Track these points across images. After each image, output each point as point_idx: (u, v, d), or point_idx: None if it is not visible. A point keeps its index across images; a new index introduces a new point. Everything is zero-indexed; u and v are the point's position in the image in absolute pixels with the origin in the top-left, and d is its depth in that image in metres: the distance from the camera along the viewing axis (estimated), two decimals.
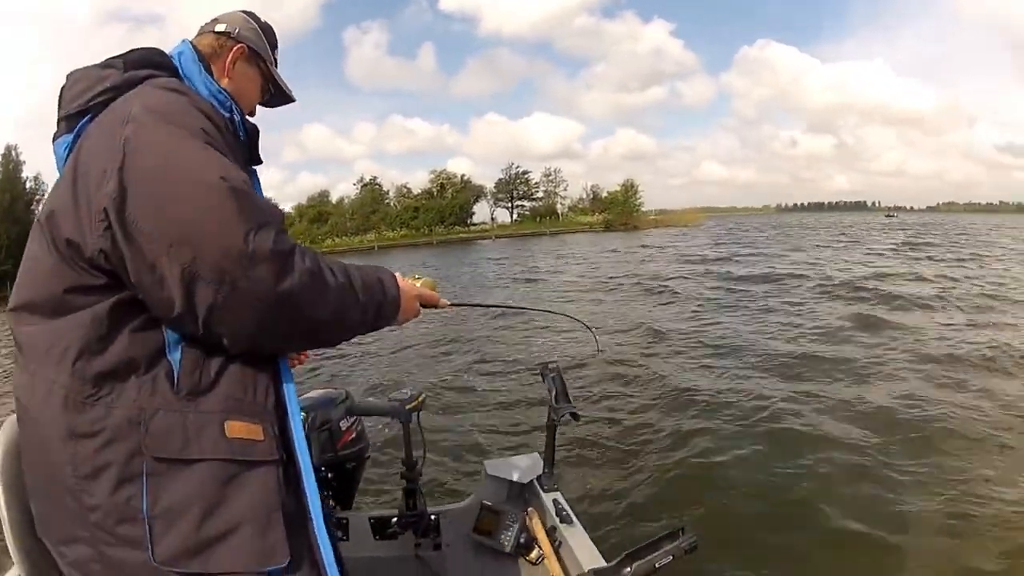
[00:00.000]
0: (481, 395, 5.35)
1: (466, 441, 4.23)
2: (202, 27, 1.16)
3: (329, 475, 1.81)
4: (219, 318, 0.81)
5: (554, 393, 1.68)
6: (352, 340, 1.04)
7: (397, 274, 1.08)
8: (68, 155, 0.90)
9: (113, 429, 0.79)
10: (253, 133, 1.11)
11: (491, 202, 67.29)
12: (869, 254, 18.50)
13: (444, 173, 64.92)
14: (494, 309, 9.04)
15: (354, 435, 1.86)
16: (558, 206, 66.79)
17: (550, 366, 1.74)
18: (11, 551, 0.91)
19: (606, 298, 11.38)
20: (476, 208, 65.45)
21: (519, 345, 7.27)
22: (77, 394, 0.80)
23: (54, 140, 0.96)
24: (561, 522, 1.65)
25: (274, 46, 1.22)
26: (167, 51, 1.06)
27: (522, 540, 1.66)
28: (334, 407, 1.81)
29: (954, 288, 10.38)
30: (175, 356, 0.85)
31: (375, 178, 65.93)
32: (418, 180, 70.33)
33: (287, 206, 61.05)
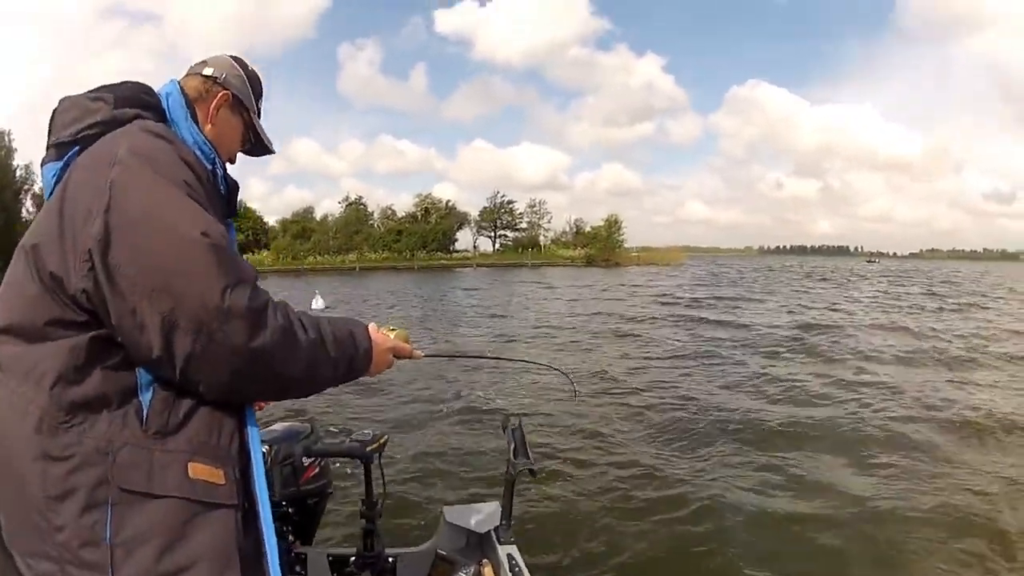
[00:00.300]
0: (447, 439, 5.25)
1: (428, 485, 4.19)
2: (191, 68, 1.18)
3: (290, 510, 1.82)
4: (196, 367, 0.85)
5: (513, 447, 1.70)
6: None
7: (371, 325, 1.12)
8: (56, 184, 0.94)
9: (83, 456, 0.83)
10: (233, 188, 1.13)
11: (474, 230, 67.96)
12: (850, 301, 18.83)
13: (429, 198, 65.76)
14: (470, 360, 9.08)
15: (317, 470, 1.88)
16: (541, 238, 67.61)
17: (511, 420, 1.77)
18: None
19: (581, 339, 11.36)
20: (459, 235, 66.16)
21: (491, 389, 7.18)
22: (52, 418, 0.84)
23: (43, 164, 0.99)
24: None
25: (259, 95, 1.24)
26: (156, 88, 1.09)
27: None
28: (298, 442, 1.82)
29: (941, 343, 10.54)
30: (146, 397, 0.88)
31: (360, 197, 66.52)
32: (403, 202, 70.93)
33: (272, 219, 61.08)
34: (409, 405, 6.44)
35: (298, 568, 1.77)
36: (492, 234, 68.02)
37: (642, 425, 5.75)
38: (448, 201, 66.47)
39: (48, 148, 0.99)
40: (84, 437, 0.84)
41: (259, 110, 1.24)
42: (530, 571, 1.68)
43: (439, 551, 1.78)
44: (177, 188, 0.88)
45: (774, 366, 8.49)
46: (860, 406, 6.32)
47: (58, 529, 0.82)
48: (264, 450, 0.96)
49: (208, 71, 1.15)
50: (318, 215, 65.00)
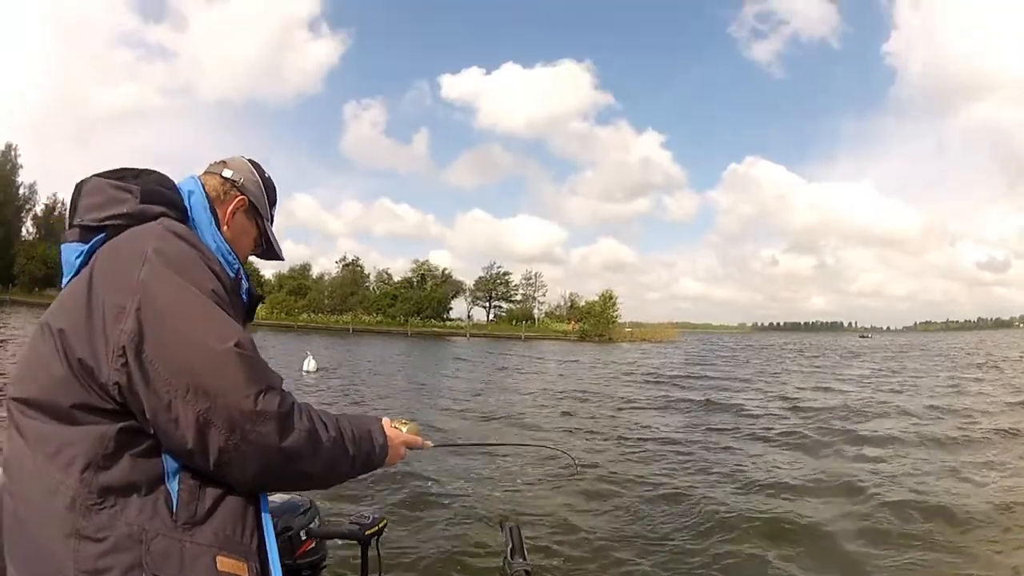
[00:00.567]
0: (442, 528, 5.14)
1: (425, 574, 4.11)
2: (211, 165, 1.23)
3: None
4: (228, 460, 0.90)
5: (510, 547, 1.67)
6: None
7: (385, 420, 1.19)
8: (79, 266, 0.99)
9: (116, 539, 0.85)
10: (256, 301, 1.17)
11: (469, 299, 68.13)
12: (841, 380, 18.71)
13: (426, 264, 66.43)
14: (475, 447, 9.14)
15: (313, 545, 1.86)
16: (535, 311, 67.79)
17: (509, 519, 1.76)
18: None
19: (573, 424, 11.25)
20: (454, 303, 66.12)
21: (491, 473, 7.09)
22: (84, 499, 0.86)
23: (62, 243, 1.02)
24: None
25: (273, 203, 1.29)
26: (177, 182, 1.13)
27: None
28: (296, 516, 1.82)
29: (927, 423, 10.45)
30: (173, 485, 0.92)
31: (357, 259, 67.26)
32: (399, 267, 71.42)
33: (268, 273, 61.31)
34: (407, 485, 6.32)
35: None
36: (487, 304, 68.34)
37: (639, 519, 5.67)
38: (444, 269, 67.34)
39: (70, 226, 1.02)
40: (116, 520, 0.86)
41: (272, 217, 1.29)
42: None
43: None
44: (205, 296, 0.93)
45: (765, 453, 8.42)
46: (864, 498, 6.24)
47: None
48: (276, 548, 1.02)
49: (228, 173, 1.20)
50: (314, 272, 65.54)
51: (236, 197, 1.19)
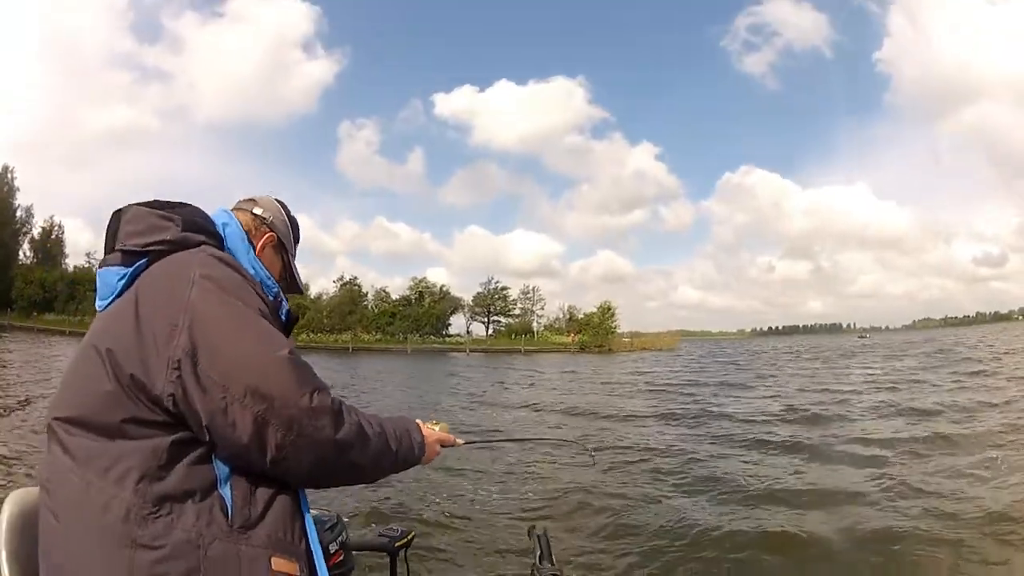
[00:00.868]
0: (467, 533, 5.16)
1: None
2: (241, 202, 1.32)
3: None
4: (285, 456, 0.95)
5: (538, 554, 1.71)
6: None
7: (418, 421, 1.28)
8: (122, 288, 1.03)
9: (174, 546, 0.88)
10: (293, 320, 1.25)
11: (468, 315, 67.96)
12: (844, 385, 18.70)
13: (424, 282, 66.14)
14: (502, 444, 9.28)
15: (342, 557, 1.86)
16: (534, 324, 67.65)
17: (537, 527, 1.79)
18: None
19: (577, 426, 11.28)
20: (452, 319, 65.87)
21: (513, 475, 7.14)
22: (140, 509, 0.89)
23: (102, 266, 1.07)
24: None
25: (297, 240, 1.39)
26: (209, 214, 1.20)
27: None
28: (323, 531, 1.83)
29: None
30: (226, 490, 0.96)
31: (355, 278, 66.68)
32: (397, 285, 71.09)
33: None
34: (433, 493, 6.30)
35: None
36: (486, 319, 68.14)
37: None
38: (442, 286, 67.03)
39: (110, 250, 1.07)
40: (172, 528, 0.89)
41: (295, 254, 1.38)
42: None
43: None
44: (253, 311, 1.00)
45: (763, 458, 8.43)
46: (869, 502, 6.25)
47: None
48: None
49: (258, 211, 1.29)
50: (313, 292, 65.14)
51: (266, 233, 1.28)
